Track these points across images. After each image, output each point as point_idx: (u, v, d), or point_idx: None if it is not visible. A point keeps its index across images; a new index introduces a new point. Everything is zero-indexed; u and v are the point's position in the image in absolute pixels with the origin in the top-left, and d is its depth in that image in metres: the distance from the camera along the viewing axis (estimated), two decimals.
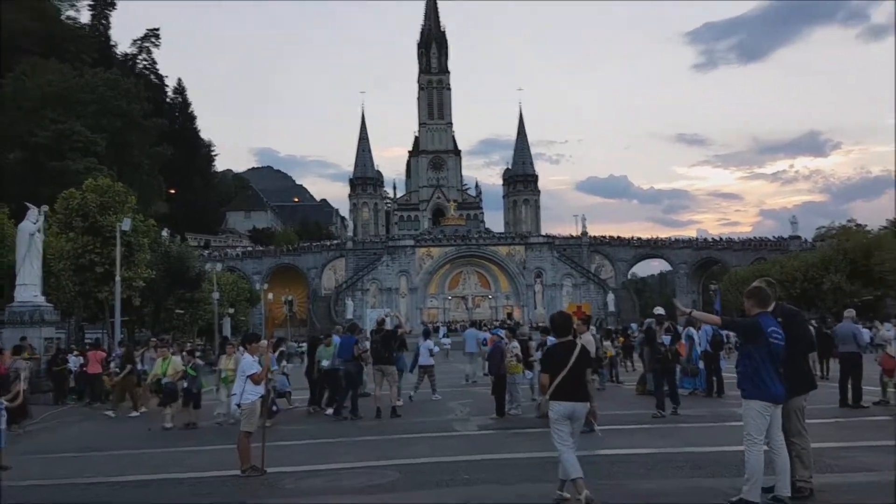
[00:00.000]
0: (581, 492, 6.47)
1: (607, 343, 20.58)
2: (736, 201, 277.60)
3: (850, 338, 14.17)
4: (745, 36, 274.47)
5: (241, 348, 13.91)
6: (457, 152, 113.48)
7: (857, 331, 14.67)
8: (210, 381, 17.75)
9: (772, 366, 6.43)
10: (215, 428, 14.28)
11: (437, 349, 19.77)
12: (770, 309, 6.83)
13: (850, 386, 13.82)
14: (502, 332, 16.49)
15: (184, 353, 16.70)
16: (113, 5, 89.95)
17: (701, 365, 16.78)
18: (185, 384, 15.13)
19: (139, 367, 18.41)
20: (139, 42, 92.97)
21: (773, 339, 6.45)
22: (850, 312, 15.03)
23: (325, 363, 15.92)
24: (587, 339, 13.18)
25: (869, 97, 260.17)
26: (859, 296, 46.71)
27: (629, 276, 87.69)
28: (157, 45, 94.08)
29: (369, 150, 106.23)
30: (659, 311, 14.93)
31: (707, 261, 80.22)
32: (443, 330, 55.17)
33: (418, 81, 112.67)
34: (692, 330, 16.62)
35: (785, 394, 6.50)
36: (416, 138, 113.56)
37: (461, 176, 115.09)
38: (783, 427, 6.64)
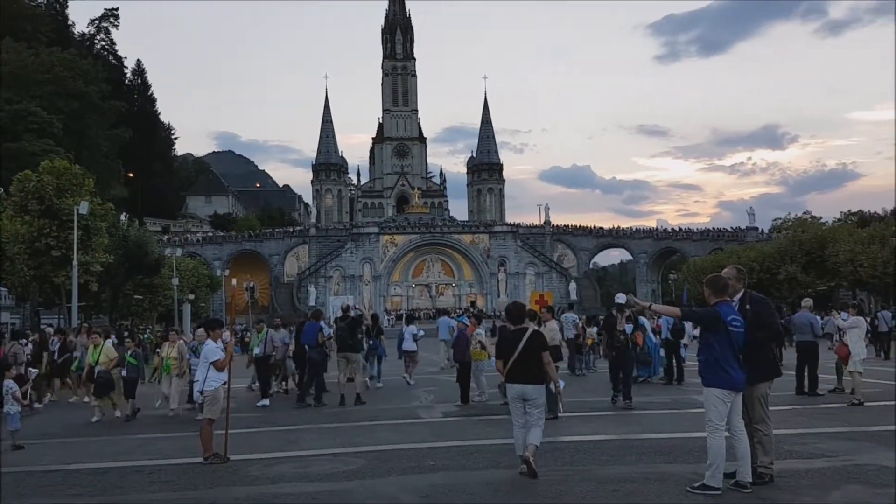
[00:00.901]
0: (520, 465, 7.30)
1: (591, 329, 20.40)
2: (695, 192, 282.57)
3: (807, 327, 14.44)
4: (707, 29, 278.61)
5: (200, 331, 13.93)
6: (422, 140, 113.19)
7: (814, 320, 14.98)
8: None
9: (731, 354, 6.49)
10: (162, 417, 13.83)
11: (421, 333, 19.61)
12: (729, 296, 6.92)
13: (806, 374, 14.11)
14: (467, 320, 16.52)
15: (113, 338, 15.60)
16: None
17: (662, 353, 17.02)
18: (125, 372, 13.94)
19: (74, 354, 17.30)
20: (97, 22, 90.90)
21: (733, 326, 6.51)
22: (807, 302, 15.34)
23: (256, 350, 15.86)
24: (552, 326, 13.33)
25: (826, 91, 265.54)
26: (814, 286, 47.72)
27: (591, 266, 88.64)
28: (115, 26, 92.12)
29: (333, 136, 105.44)
30: (620, 298, 14.57)
31: (667, 251, 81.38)
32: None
33: (383, 67, 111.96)
34: (643, 319, 16.80)
35: (745, 381, 6.58)
36: (381, 125, 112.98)
37: (426, 163, 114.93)
38: (747, 413, 6.74)
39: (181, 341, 14.73)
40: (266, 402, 14.97)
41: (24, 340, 21.98)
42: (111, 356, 13.85)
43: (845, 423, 10.72)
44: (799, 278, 48.93)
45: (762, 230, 74.27)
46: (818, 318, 18.21)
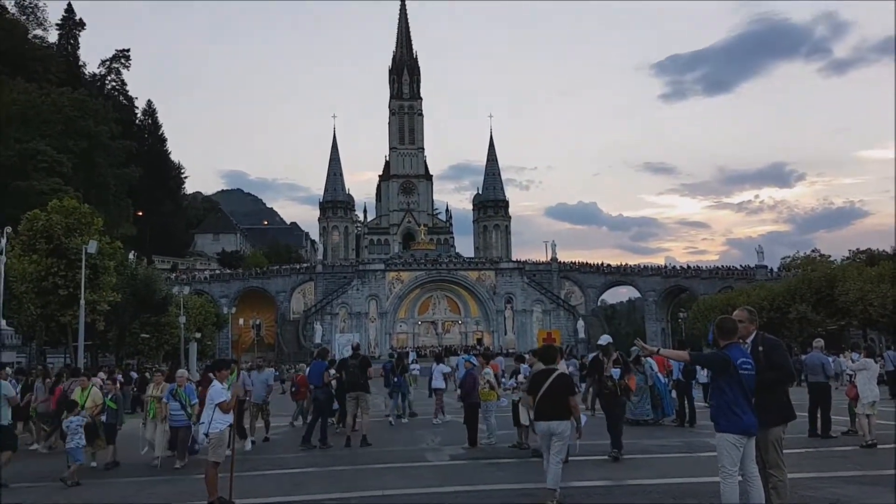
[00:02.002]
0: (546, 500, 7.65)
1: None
2: (703, 230, 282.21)
3: (819, 368, 14.26)
4: (711, 68, 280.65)
5: (181, 372, 13.75)
6: (428, 177, 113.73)
7: (826, 361, 14.80)
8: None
9: (743, 397, 6.40)
10: (147, 465, 12.93)
11: (448, 370, 19.55)
12: (742, 338, 6.84)
13: (819, 416, 13.89)
14: (474, 359, 16.36)
15: (101, 375, 15.06)
16: (82, 25, 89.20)
17: (673, 394, 16.80)
18: (104, 418, 13.05)
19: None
20: (108, 63, 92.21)
21: (743, 369, 6.43)
22: (818, 342, 15.17)
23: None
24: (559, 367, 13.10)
25: (832, 130, 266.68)
26: (824, 325, 47.32)
27: (599, 303, 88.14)
28: (126, 67, 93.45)
29: (340, 174, 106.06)
30: (606, 339, 13.73)
31: (675, 288, 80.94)
32: (412, 355, 54.78)
33: (390, 107, 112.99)
34: (651, 360, 16.62)
35: (756, 425, 6.48)
36: (387, 162, 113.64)
37: (432, 200, 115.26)
38: (762, 458, 6.61)
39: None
40: (248, 446, 14.59)
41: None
42: (98, 401, 13.08)
43: (859, 466, 10.53)
44: (809, 317, 48.55)
45: (771, 268, 73.92)
46: (830, 358, 18.00)
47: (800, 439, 12.95)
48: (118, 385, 15.23)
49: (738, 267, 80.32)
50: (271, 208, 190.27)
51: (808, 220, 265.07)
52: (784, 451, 6.86)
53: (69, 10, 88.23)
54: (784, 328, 49.40)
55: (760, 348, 6.89)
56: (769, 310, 49.70)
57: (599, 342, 13.63)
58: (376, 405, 18.54)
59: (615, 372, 12.55)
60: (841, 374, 24.57)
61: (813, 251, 61.48)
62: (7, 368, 16.93)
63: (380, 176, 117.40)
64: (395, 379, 18.78)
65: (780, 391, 6.95)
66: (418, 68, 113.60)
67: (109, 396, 13.50)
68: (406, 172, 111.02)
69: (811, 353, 14.93)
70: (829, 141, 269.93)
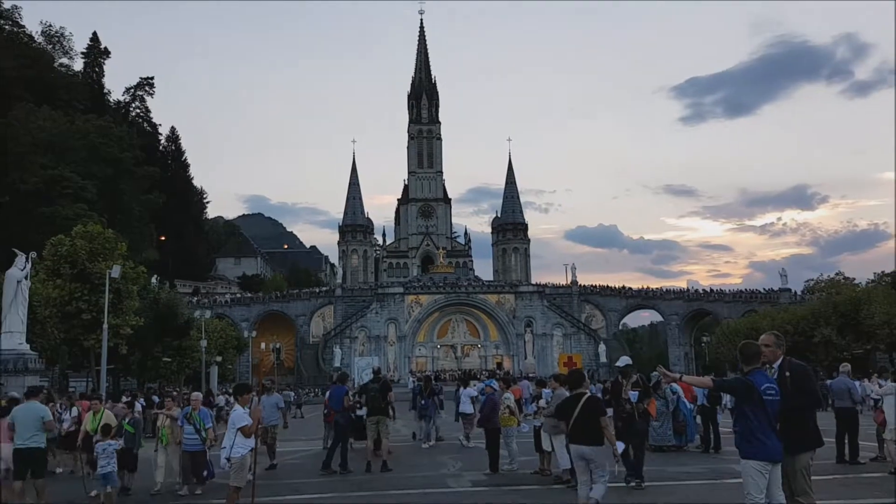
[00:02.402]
0: None
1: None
2: (725, 253, 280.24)
3: (846, 393, 14.06)
4: (731, 91, 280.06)
5: (196, 395, 13.37)
6: (446, 200, 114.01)
7: (853, 386, 14.59)
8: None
9: (767, 424, 6.34)
10: (167, 492, 12.53)
11: (475, 394, 19.44)
12: (769, 363, 6.77)
13: (846, 442, 13.66)
14: (495, 384, 16.27)
15: (121, 404, 14.52)
16: (107, 54, 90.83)
17: (698, 419, 16.57)
18: (121, 443, 12.46)
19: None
20: (133, 90, 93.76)
21: (767, 395, 6.36)
22: (845, 367, 14.95)
23: None
24: (562, 393, 12.45)
25: (854, 152, 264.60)
26: (850, 349, 46.65)
27: (620, 327, 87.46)
28: (150, 94, 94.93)
29: (359, 198, 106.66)
30: (625, 361, 13.06)
31: (698, 312, 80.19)
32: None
33: (408, 131, 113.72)
34: (676, 386, 16.41)
35: (781, 451, 6.39)
36: (406, 186, 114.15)
37: (450, 224, 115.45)
38: (789, 485, 6.50)
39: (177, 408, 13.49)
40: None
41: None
42: (112, 424, 12.51)
43: (888, 493, 10.31)
44: (834, 341, 47.88)
45: (795, 292, 73.12)
46: (857, 383, 17.72)
47: (827, 466, 12.72)
48: (138, 410, 14.83)
49: (762, 290, 79.57)
50: (291, 232, 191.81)
51: (832, 243, 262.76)
52: (812, 478, 6.75)
53: (94, 38, 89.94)
54: (809, 352, 48.70)
55: (788, 373, 6.81)
56: (793, 333, 49.01)
57: (618, 364, 13.06)
58: (395, 429, 18.47)
59: (633, 395, 11.92)
60: (866, 399, 24.18)
61: (837, 274, 60.42)
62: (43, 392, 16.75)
63: (398, 199, 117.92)
64: (423, 402, 18.87)
65: (807, 417, 6.84)
66: (437, 93, 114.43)
67: (127, 420, 13.14)
68: (425, 196, 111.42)
69: (838, 378, 14.71)
70: (851, 163, 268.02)
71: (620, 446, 9.44)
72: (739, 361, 6.72)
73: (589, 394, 8.63)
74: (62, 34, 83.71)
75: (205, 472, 12.20)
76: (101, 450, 11.30)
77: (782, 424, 6.51)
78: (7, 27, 74.90)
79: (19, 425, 10.65)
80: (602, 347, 74.87)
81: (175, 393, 16.07)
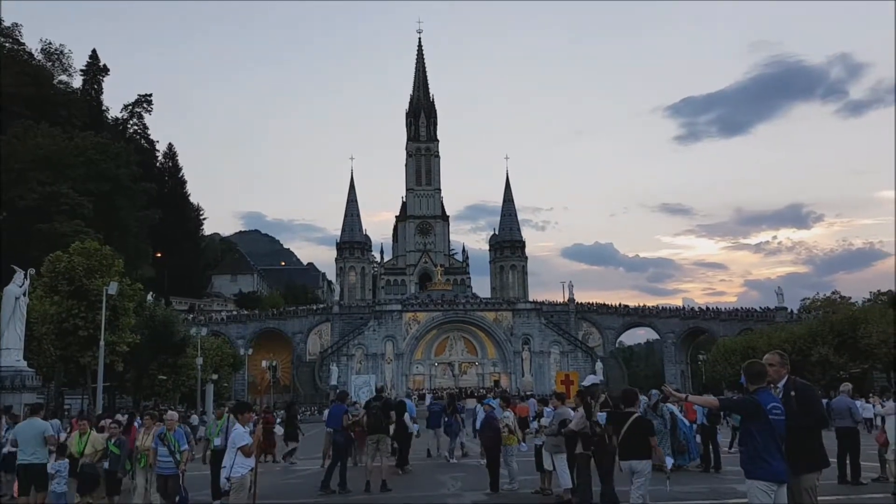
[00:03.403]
0: None
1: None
2: (721, 271, 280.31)
3: (846, 412, 14.02)
4: (726, 110, 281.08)
5: (171, 414, 12.43)
6: (444, 217, 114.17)
7: (853, 405, 14.55)
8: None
9: (773, 443, 6.31)
10: None
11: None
12: (773, 382, 6.75)
13: (848, 462, 13.60)
14: (495, 402, 16.19)
15: (112, 423, 13.43)
16: (106, 71, 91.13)
17: (698, 438, 16.52)
18: (106, 464, 11.93)
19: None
20: (131, 107, 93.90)
21: (773, 415, 6.34)
22: (845, 387, 14.93)
23: (216, 442, 12.91)
24: (564, 411, 12.29)
25: (849, 171, 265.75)
26: (847, 368, 46.66)
27: (617, 345, 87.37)
28: (148, 111, 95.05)
29: (357, 215, 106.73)
30: (591, 379, 12.32)
31: (694, 330, 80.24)
32: (429, 398, 54.13)
33: (406, 149, 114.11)
34: (669, 405, 16.34)
35: (786, 471, 6.35)
36: (404, 203, 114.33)
37: (448, 241, 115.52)
38: None
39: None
40: None
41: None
42: (98, 447, 12.02)
43: None
44: (832, 360, 47.91)
45: (791, 310, 73.23)
46: (857, 402, 17.70)
47: (829, 486, 12.66)
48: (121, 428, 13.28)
49: (758, 309, 79.67)
50: (288, 249, 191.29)
51: (828, 262, 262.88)
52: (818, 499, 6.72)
53: (93, 56, 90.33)
54: (806, 371, 48.65)
55: (792, 393, 6.78)
56: (791, 352, 48.91)
57: (584, 383, 12.26)
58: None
59: (601, 416, 11.02)
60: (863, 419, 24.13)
61: (833, 293, 60.71)
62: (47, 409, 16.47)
63: (396, 217, 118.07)
64: (447, 419, 19.43)
65: (813, 437, 6.81)
66: (435, 111, 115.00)
67: (113, 441, 12.21)
68: (423, 213, 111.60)
69: (838, 398, 14.69)
70: (847, 182, 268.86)
71: (669, 461, 9.74)
72: (745, 380, 6.69)
73: (638, 413, 9.12)
74: (62, 52, 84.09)
75: (177, 498, 11.28)
76: (55, 470, 11.16)
77: (788, 444, 6.48)
78: (7, 45, 75.16)
79: (21, 441, 10.68)
80: (599, 365, 74.58)
81: (155, 412, 14.80)
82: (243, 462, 9.19)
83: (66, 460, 11.66)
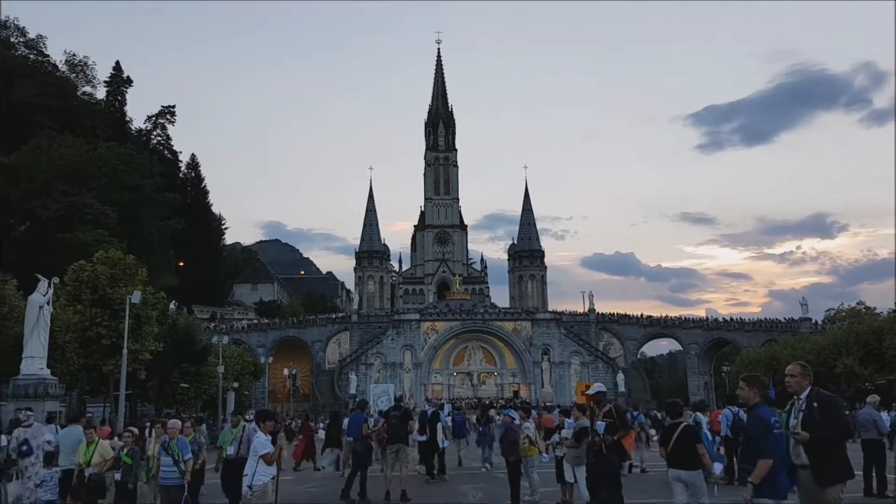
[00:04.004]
0: None
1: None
2: (744, 281, 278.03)
3: (871, 424, 13.85)
4: (748, 119, 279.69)
5: (173, 422, 12.18)
6: (462, 227, 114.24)
7: (878, 417, 14.37)
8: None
9: (780, 460, 6.36)
10: None
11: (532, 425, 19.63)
12: (796, 393, 6.76)
13: (874, 474, 13.41)
14: (515, 413, 16.10)
15: (125, 433, 12.58)
16: (130, 82, 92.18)
17: (721, 450, 16.33)
18: (118, 475, 11.43)
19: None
20: (154, 118, 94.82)
21: (776, 429, 6.44)
22: (872, 399, 14.75)
23: (229, 450, 12.29)
24: (585, 422, 12.11)
25: (873, 180, 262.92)
26: (872, 380, 45.95)
27: (638, 356, 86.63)
28: (171, 122, 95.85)
29: (376, 224, 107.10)
30: (598, 388, 11.57)
31: (718, 341, 79.41)
32: (448, 408, 53.94)
33: (425, 158, 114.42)
34: (700, 415, 16.21)
35: (790, 486, 6.40)
36: (422, 212, 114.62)
37: (466, 250, 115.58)
38: None
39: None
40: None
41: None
42: (107, 456, 11.62)
43: None
44: (857, 371, 47.14)
45: (815, 321, 72.32)
46: (881, 414, 17.45)
47: (855, 499, 12.49)
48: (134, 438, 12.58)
49: (782, 319, 78.76)
50: (308, 258, 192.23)
51: (852, 272, 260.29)
52: None
53: (117, 67, 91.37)
54: (831, 382, 47.98)
55: (815, 404, 6.74)
56: (815, 363, 48.30)
57: (588, 391, 11.67)
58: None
59: (601, 426, 10.51)
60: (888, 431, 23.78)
61: (858, 303, 59.76)
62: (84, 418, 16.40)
63: (415, 226, 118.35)
64: (481, 429, 20.76)
65: (837, 449, 6.74)
66: (453, 120, 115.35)
67: (125, 450, 11.62)
68: (441, 223, 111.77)
69: (864, 409, 14.50)
70: (871, 191, 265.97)
71: (718, 468, 9.84)
72: (761, 394, 6.76)
73: (686, 423, 9.21)
74: (85, 63, 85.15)
75: None
76: (49, 477, 11.26)
77: (813, 456, 6.44)
78: (32, 56, 76.37)
79: (63, 448, 10.95)
80: (621, 376, 74.02)
81: (163, 419, 14.23)
82: (265, 470, 9.21)
83: (57, 469, 11.77)
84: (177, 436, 11.14)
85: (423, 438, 17.76)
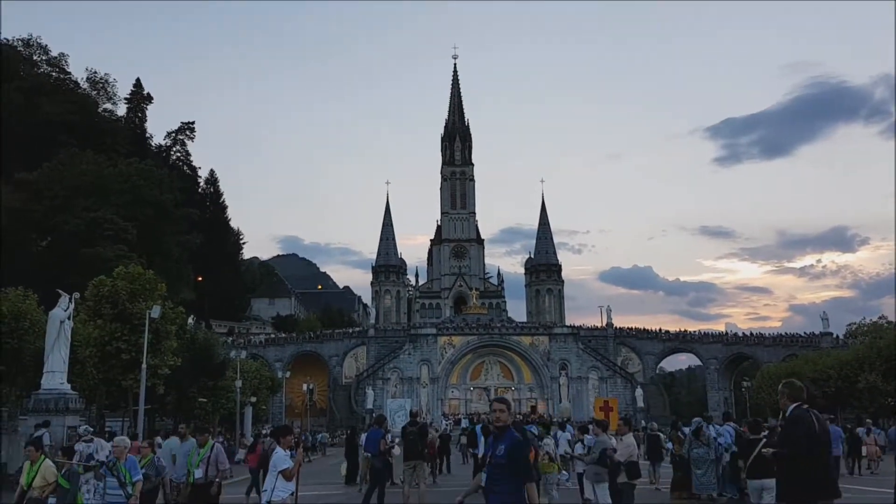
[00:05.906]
0: None
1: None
2: (765, 295, 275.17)
3: None
4: (767, 132, 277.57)
5: (168, 440, 12.77)
6: (479, 241, 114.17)
7: None
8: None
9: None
10: None
11: (570, 437, 19.22)
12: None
13: None
14: (535, 429, 16.00)
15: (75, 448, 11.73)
16: (150, 99, 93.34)
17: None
18: (53, 501, 10.51)
19: None
20: (174, 134, 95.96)
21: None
22: None
23: (197, 474, 11.63)
24: (629, 441, 12.36)
25: (894, 193, 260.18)
26: (895, 396, 45.31)
27: (657, 371, 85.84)
28: (191, 138, 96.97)
29: (393, 238, 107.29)
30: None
31: (738, 356, 78.54)
32: (465, 422, 53.69)
33: (442, 173, 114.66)
34: (721, 429, 16.05)
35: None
36: (439, 227, 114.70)
37: (483, 264, 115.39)
38: None
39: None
40: None
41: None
42: (49, 479, 10.64)
43: None
44: (879, 387, 46.45)
45: (837, 336, 71.40)
46: None
47: None
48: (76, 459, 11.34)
49: (803, 334, 77.75)
50: (325, 272, 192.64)
51: (874, 286, 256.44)
52: None
53: (137, 84, 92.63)
54: (853, 398, 47.40)
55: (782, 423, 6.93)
56: (836, 379, 47.81)
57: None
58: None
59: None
60: None
61: (880, 317, 59.04)
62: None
63: (431, 240, 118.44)
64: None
65: (808, 467, 6.64)
66: (470, 135, 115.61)
67: (63, 472, 10.52)
68: (457, 237, 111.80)
69: (893, 428, 14.28)
70: (892, 204, 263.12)
71: None
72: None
73: (763, 437, 10.41)
74: (106, 80, 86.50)
75: None
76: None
77: (777, 474, 6.92)
78: (54, 74, 77.60)
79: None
80: (639, 392, 73.35)
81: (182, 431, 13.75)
82: (284, 486, 9.18)
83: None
84: (124, 455, 10.14)
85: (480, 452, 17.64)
